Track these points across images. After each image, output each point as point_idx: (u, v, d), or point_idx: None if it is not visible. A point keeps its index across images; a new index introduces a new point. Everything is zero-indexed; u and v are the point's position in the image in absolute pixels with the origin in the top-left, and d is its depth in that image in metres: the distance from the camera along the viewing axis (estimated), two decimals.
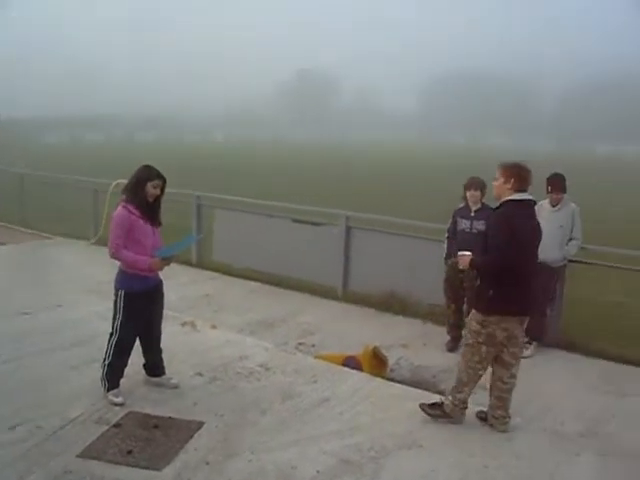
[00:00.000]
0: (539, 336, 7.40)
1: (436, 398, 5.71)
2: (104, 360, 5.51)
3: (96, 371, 5.65)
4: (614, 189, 34.05)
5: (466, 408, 5.39)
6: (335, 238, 9.49)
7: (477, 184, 7.20)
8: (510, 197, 5.07)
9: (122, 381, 5.56)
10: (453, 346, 7.36)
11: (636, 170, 54.60)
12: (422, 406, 5.39)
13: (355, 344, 7.08)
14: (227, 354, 6.72)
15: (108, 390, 5.47)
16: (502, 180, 5.12)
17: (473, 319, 5.20)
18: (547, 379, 6.67)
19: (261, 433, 5.07)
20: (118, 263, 5.45)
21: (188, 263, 10.86)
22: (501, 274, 4.97)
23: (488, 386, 5.39)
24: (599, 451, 5.09)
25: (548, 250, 7.20)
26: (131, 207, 5.33)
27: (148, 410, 5.35)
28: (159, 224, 5.58)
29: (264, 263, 10.31)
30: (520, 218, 5.03)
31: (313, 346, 7.41)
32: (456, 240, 7.20)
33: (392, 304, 8.77)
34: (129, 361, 5.59)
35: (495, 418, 5.33)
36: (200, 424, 5.14)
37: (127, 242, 5.30)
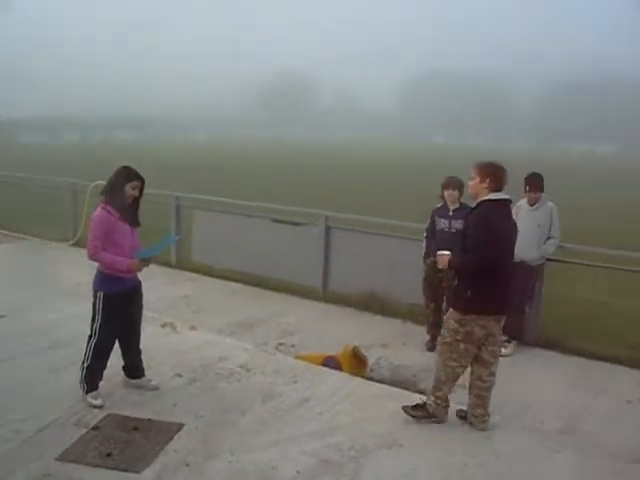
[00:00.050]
0: (518, 334, 7.45)
1: (416, 397, 5.73)
2: (83, 362, 5.48)
3: (75, 374, 5.62)
4: (592, 188, 34.31)
5: (448, 406, 5.41)
6: (315, 238, 9.49)
7: (455, 183, 7.23)
8: (487, 197, 5.09)
9: (101, 383, 5.53)
10: (433, 345, 7.38)
11: (613, 169, 55.09)
12: (405, 409, 5.38)
13: (335, 344, 7.09)
14: (207, 355, 6.70)
15: (87, 392, 5.44)
16: (478, 179, 5.14)
17: (451, 318, 5.21)
18: (526, 377, 6.72)
19: (241, 434, 5.07)
20: (96, 264, 5.43)
21: (167, 264, 10.82)
22: (479, 274, 5.00)
23: (467, 385, 5.41)
24: (578, 448, 5.13)
25: (526, 249, 7.26)
26: (110, 208, 5.31)
27: (127, 412, 5.32)
28: (138, 225, 5.56)
29: (244, 264, 10.29)
30: (497, 218, 5.06)
31: (293, 346, 7.41)
32: (435, 239, 7.23)
33: (372, 304, 8.80)
34: (108, 363, 5.56)
35: (475, 417, 5.36)
36: (180, 425, 5.12)
37: (106, 243, 5.27)
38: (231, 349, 6.93)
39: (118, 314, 5.44)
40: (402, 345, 7.59)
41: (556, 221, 7.38)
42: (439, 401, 5.34)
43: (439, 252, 5.39)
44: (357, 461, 4.73)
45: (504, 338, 7.28)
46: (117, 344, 5.64)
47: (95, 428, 5.03)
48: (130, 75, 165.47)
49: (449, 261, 5.20)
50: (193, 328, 7.57)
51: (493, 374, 5.31)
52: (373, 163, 53.60)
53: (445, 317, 5.39)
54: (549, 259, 7.54)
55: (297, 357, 6.89)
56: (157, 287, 9.03)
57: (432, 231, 7.41)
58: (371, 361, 6.87)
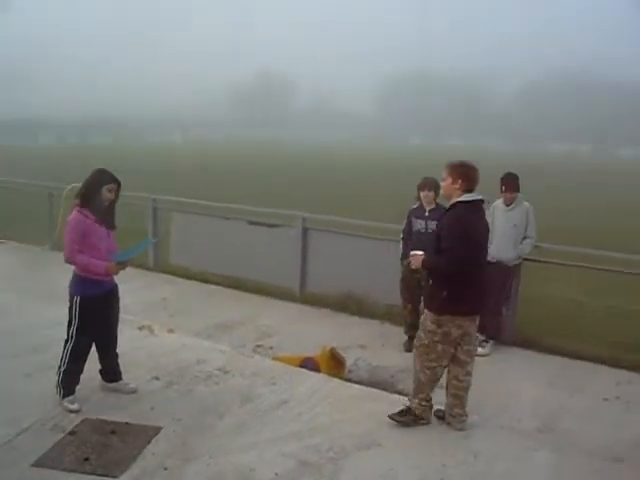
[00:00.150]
0: (495, 334, 7.50)
1: (395, 398, 5.79)
2: (59, 367, 5.44)
3: (51, 378, 5.57)
4: (571, 188, 34.61)
5: (432, 407, 5.43)
6: (292, 240, 9.49)
7: (430, 184, 7.24)
8: (460, 199, 5.10)
9: (78, 387, 5.49)
10: (411, 346, 7.33)
11: (591, 169, 55.61)
12: (392, 417, 5.35)
13: (313, 345, 7.09)
14: (184, 358, 6.68)
15: (63, 397, 5.40)
16: (450, 180, 5.15)
17: (427, 319, 5.22)
18: (504, 377, 6.75)
19: (219, 436, 5.06)
20: (73, 268, 5.39)
21: (145, 267, 10.75)
22: (453, 274, 5.02)
23: (445, 385, 5.43)
24: (556, 447, 5.17)
25: (503, 249, 7.33)
26: (86, 211, 5.28)
27: (105, 416, 5.28)
28: (114, 227, 5.54)
29: (221, 266, 10.26)
30: (471, 219, 5.09)
31: (271, 348, 7.40)
32: (411, 240, 7.25)
33: (349, 305, 8.81)
34: (85, 367, 5.53)
35: (452, 416, 5.38)
36: (157, 429, 5.10)
37: (82, 246, 5.24)
38: (209, 352, 6.91)
39: (95, 318, 5.41)
40: (380, 346, 7.60)
41: (532, 221, 7.43)
42: (423, 402, 5.35)
43: (412, 252, 5.42)
44: (336, 462, 4.74)
45: (482, 338, 7.34)
46: (94, 348, 5.60)
47: (72, 433, 4.99)
48: (108, 75, 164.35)
49: (423, 261, 5.22)
50: (171, 331, 7.54)
51: (469, 373, 5.34)
52: (350, 164, 53.69)
53: (421, 319, 5.39)
54: (526, 259, 7.59)
55: (275, 359, 6.88)
56: (134, 290, 8.97)
57: (409, 232, 7.43)
58: (349, 362, 6.89)
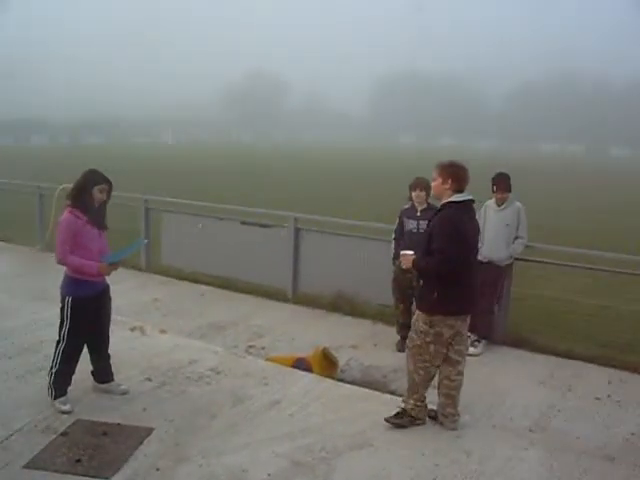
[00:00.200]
0: (487, 334, 7.51)
1: (387, 398, 5.80)
2: (51, 368, 5.42)
3: (43, 379, 5.57)
4: (562, 188, 34.71)
5: (427, 407, 5.43)
6: (284, 240, 9.49)
7: (422, 184, 7.24)
8: (451, 199, 5.11)
9: (69, 389, 5.47)
10: (403, 346, 7.35)
11: (583, 169, 55.77)
12: (388, 420, 5.34)
13: (305, 346, 7.11)
14: (177, 358, 6.67)
15: (55, 398, 5.38)
16: (440, 180, 5.15)
17: (419, 320, 5.22)
18: (495, 376, 6.77)
19: (212, 437, 5.05)
20: (64, 269, 5.38)
21: (137, 268, 10.74)
22: (444, 275, 5.02)
23: (436, 384, 5.44)
24: (547, 446, 5.18)
25: (495, 249, 7.35)
26: (77, 212, 5.27)
27: (96, 417, 5.27)
28: (105, 228, 5.52)
29: (214, 266, 10.25)
30: (463, 220, 5.09)
31: (263, 349, 7.39)
32: (403, 240, 7.26)
33: (342, 305, 8.81)
34: (77, 368, 5.52)
35: (445, 416, 5.38)
36: (150, 430, 5.09)
37: (74, 247, 5.23)
38: (201, 352, 6.90)
39: (87, 318, 5.39)
40: (372, 346, 7.61)
41: (523, 221, 7.44)
42: (418, 403, 5.35)
43: (402, 252, 5.42)
44: (328, 462, 4.73)
45: (474, 338, 7.36)
46: (85, 349, 5.59)
47: (64, 434, 4.98)
48: (98, 76, 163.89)
49: (413, 262, 5.22)
50: (163, 332, 7.53)
51: (461, 373, 5.35)
52: (342, 164, 53.67)
53: (413, 319, 5.39)
54: (517, 258, 7.60)
55: (267, 359, 6.88)
56: (126, 291, 8.98)
57: (400, 232, 7.44)
58: (342, 362, 6.89)
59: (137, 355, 6.70)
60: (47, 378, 5.45)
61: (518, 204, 7.46)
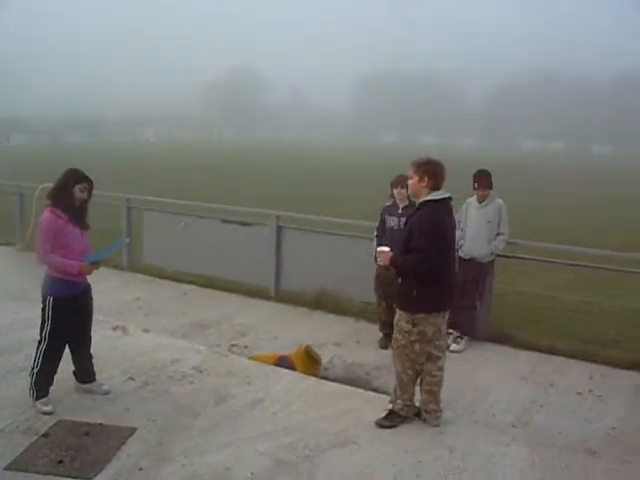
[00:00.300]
0: (470, 330, 7.54)
1: (370, 395, 5.82)
2: (32, 368, 5.39)
3: (24, 380, 5.54)
4: (544, 185, 34.91)
5: (415, 406, 5.45)
6: (266, 238, 9.48)
7: (404, 182, 7.21)
8: (429, 197, 5.11)
9: (51, 389, 5.44)
10: (386, 343, 7.40)
11: (564, 167, 56.13)
12: (379, 422, 5.33)
13: (288, 344, 7.11)
14: (159, 358, 6.65)
15: (37, 399, 5.35)
16: (416, 179, 5.15)
17: (402, 319, 5.21)
18: (478, 372, 6.79)
19: (195, 436, 5.04)
20: (46, 268, 5.35)
21: (119, 267, 10.70)
22: (422, 274, 5.03)
23: (418, 382, 5.45)
24: (530, 441, 5.21)
25: (477, 246, 7.38)
26: (58, 211, 5.24)
27: (78, 418, 5.24)
28: (87, 227, 5.49)
29: (196, 265, 10.24)
30: (442, 218, 5.10)
31: (246, 347, 7.38)
32: (385, 237, 7.26)
33: (324, 303, 8.82)
34: (58, 368, 5.48)
35: (428, 413, 5.39)
36: (132, 430, 5.07)
37: (55, 246, 5.20)
38: (184, 351, 6.88)
39: (68, 318, 5.37)
40: (355, 343, 7.62)
41: (505, 217, 7.47)
42: (408, 402, 5.37)
43: (378, 248, 5.42)
44: (312, 460, 4.74)
45: (456, 334, 7.39)
46: (67, 349, 5.56)
47: (45, 435, 4.95)
48: (79, 74, 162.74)
49: (391, 260, 5.22)
50: (145, 331, 7.50)
51: (441, 368, 5.36)
52: (324, 162, 53.66)
53: (395, 319, 5.38)
54: (499, 255, 7.64)
55: (250, 358, 6.87)
56: (108, 290, 8.95)
57: (382, 229, 7.44)
58: (325, 360, 6.89)
59: (119, 355, 6.67)
60: (28, 379, 5.42)
61: (499, 201, 7.49)
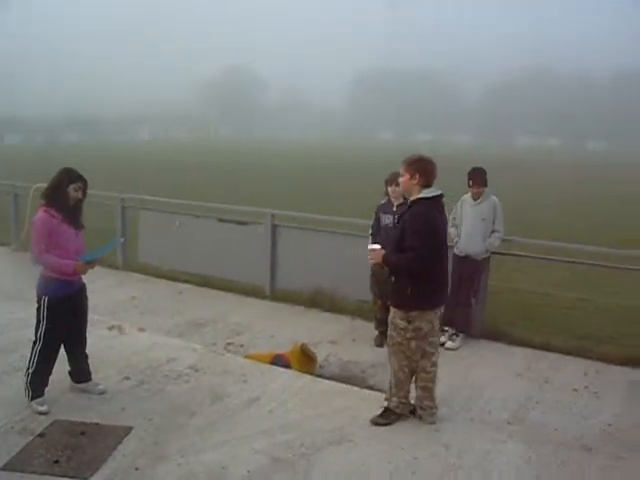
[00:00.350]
0: (465, 328, 7.55)
1: (366, 393, 5.83)
2: (28, 368, 5.38)
3: (19, 380, 5.53)
4: (540, 182, 34.93)
5: (410, 404, 5.45)
6: (261, 237, 9.48)
7: (398, 179, 7.25)
8: (421, 195, 5.11)
9: (47, 389, 5.43)
10: (382, 341, 7.40)
11: (561, 164, 56.20)
12: (375, 421, 5.33)
13: (284, 342, 7.11)
14: (155, 357, 6.64)
15: (32, 399, 5.34)
16: (408, 176, 5.15)
17: (396, 317, 5.21)
18: (473, 369, 6.80)
19: (191, 435, 5.04)
20: (40, 268, 5.34)
21: (114, 266, 10.69)
22: (416, 273, 5.03)
23: (413, 379, 5.45)
24: (525, 438, 5.22)
25: (472, 243, 7.40)
26: (53, 211, 5.23)
27: (74, 417, 5.24)
28: (82, 227, 5.49)
29: (191, 264, 10.23)
30: (434, 216, 5.11)
31: (242, 346, 7.38)
32: (380, 235, 7.26)
33: (320, 301, 8.82)
34: (54, 368, 5.48)
35: (423, 409, 5.39)
36: (128, 429, 5.07)
37: (50, 246, 5.19)
38: (179, 350, 6.88)
39: (63, 318, 5.36)
40: (351, 341, 7.62)
41: (500, 215, 7.48)
42: (404, 400, 5.37)
43: (370, 246, 5.41)
44: (308, 458, 4.74)
45: (451, 331, 7.40)
46: (62, 349, 5.55)
47: (41, 435, 4.94)
48: (74, 74, 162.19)
49: (384, 257, 5.21)
50: (141, 330, 7.50)
51: (435, 364, 5.36)
52: (320, 160, 53.63)
53: (390, 317, 5.37)
54: (494, 252, 7.64)
55: (246, 356, 6.87)
56: (104, 290, 8.94)
57: (377, 227, 7.44)
58: (320, 358, 6.90)
59: (115, 354, 6.67)
60: (24, 379, 5.41)
61: (494, 198, 7.50)
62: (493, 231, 7.45)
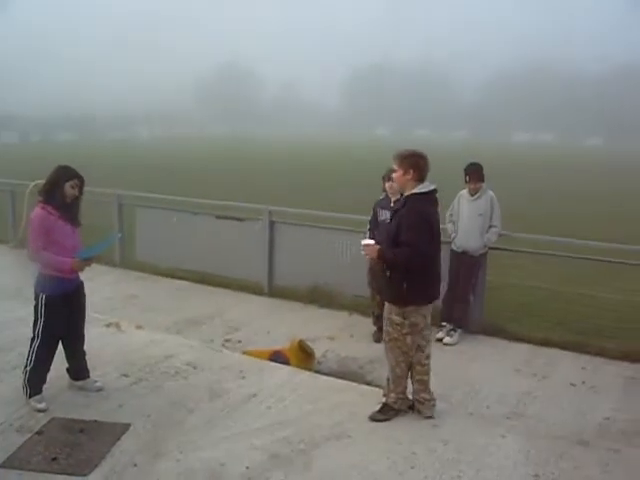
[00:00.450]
0: (463, 323, 7.56)
1: (364, 389, 5.84)
2: (26, 366, 5.38)
3: (17, 378, 5.52)
4: (537, 177, 34.94)
5: (408, 398, 5.45)
6: (258, 233, 9.47)
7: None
8: (415, 190, 5.11)
9: (45, 387, 5.43)
10: (379, 337, 7.39)
11: (557, 159, 56.17)
12: (373, 417, 5.32)
13: (282, 338, 7.11)
14: (153, 354, 6.64)
15: (30, 396, 5.34)
16: (401, 172, 5.13)
17: (392, 312, 5.21)
18: (472, 364, 6.82)
19: (189, 432, 5.04)
20: (38, 266, 5.33)
21: (112, 263, 10.68)
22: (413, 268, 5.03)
23: (408, 373, 5.44)
24: (523, 432, 5.22)
25: (469, 238, 7.40)
26: (49, 208, 5.22)
27: (72, 415, 5.24)
28: (79, 224, 5.48)
29: (189, 261, 10.23)
30: (429, 211, 5.12)
31: (240, 342, 7.39)
32: (378, 231, 7.26)
33: (317, 297, 8.82)
34: (52, 366, 5.47)
35: (421, 403, 5.39)
36: (126, 426, 5.07)
37: (47, 243, 5.18)
38: (177, 347, 6.88)
39: (61, 316, 5.35)
40: (349, 337, 7.63)
41: (497, 210, 7.48)
42: (401, 395, 5.37)
43: (363, 242, 5.38)
44: (307, 454, 4.74)
45: (450, 327, 7.41)
46: (60, 346, 5.55)
47: (39, 432, 4.94)
48: (71, 71, 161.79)
49: (380, 252, 5.17)
50: (139, 327, 7.49)
51: (429, 356, 5.35)
52: (317, 156, 53.61)
53: (385, 313, 5.36)
54: (491, 248, 7.64)
55: (244, 353, 6.87)
56: (102, 287, 8.94)
57: (375, 223, 7.44)
58: (318, 354, 6.90)
59: (113, 351, 6.66)
60: (22, 376, 5.40)
61: (491, 193, 7.50)
62: (490, 226, 7.45)
